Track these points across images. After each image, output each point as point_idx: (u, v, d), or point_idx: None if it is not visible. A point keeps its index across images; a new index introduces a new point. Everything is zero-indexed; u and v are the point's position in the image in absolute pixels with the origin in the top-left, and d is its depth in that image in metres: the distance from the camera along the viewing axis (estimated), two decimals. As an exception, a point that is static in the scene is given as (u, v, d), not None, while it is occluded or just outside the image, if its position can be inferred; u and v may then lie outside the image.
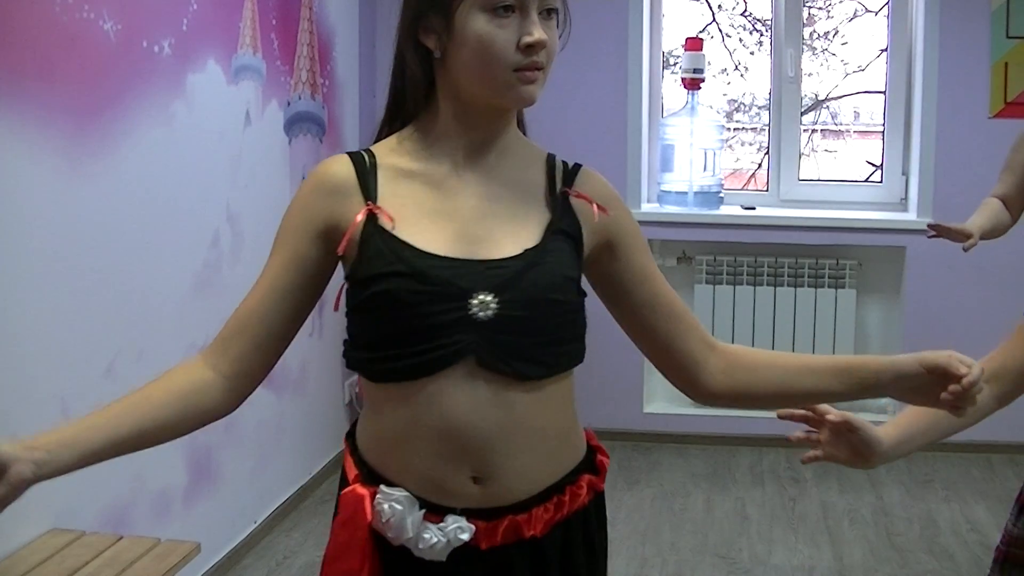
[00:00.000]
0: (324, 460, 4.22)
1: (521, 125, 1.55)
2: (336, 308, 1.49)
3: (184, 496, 3.15)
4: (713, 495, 4.24)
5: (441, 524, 1.41)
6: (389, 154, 1.48)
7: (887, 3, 4.81)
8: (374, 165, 1.46)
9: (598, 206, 1.49)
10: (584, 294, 1.49)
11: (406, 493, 1.42)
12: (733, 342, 5.17)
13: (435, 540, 1.40)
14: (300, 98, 3.89)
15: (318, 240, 1.44)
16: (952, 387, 1.40)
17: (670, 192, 4.78)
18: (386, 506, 1.41)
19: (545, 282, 1.41)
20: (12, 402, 2.40)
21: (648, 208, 4.78)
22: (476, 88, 1.41)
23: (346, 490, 1.46)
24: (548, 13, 1.41)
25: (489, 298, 1.38)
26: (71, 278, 2.59)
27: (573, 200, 1.49)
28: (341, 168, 1.46)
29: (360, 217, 1.42)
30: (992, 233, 3.16)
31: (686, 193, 4.75)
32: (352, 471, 1.48)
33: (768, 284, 4.73)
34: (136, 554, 2.41)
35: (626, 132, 4.70)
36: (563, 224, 1.46)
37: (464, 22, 1.37)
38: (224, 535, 3.46)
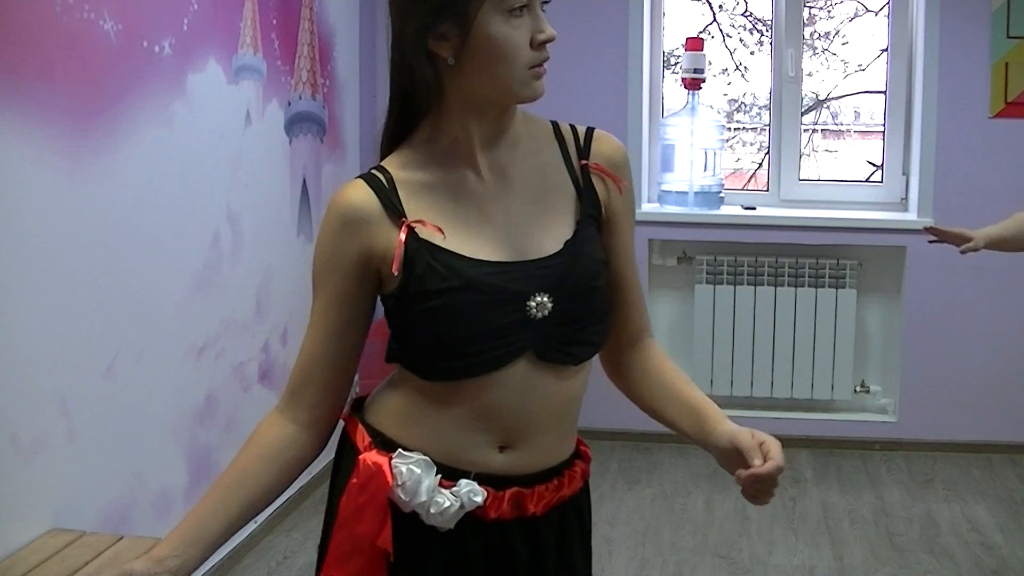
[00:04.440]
0: (325, 460, 4.19)
1: None
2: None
3: (184, 496, 3.14)
4: (714, 495, 4.24)
5: (454, 488, 1.44)
6: (402, 169, 1.48)
7: (887, 3, 4.81)
8: (392, 182, 1.46)
9: (617, 183, 1.52)
10: None
11: (424, 456, 1.45)
12: (734, 343, 5.17)
13: (447, 504, 1.43)
14: (300, 98, 3.89)
15: (355, 274, 1.46)
16: (742, 472, 1.48)
17: (670, 192, 4.77)
18: (404, 468, 1.45)
19: (589, 272, 1.47)
20: (12, 402, 2.40)
21: (648, 208, 4.78)
22: (490, 90, 1.43)
23: (363, 455, 1.49)
24: (543, 5, 1.45)
25: (545, 299, 1.43)
26: (71, 278, 2.59)
27: (592, 173, 1.52)
28: (360, 195, 1.46)
29: (403, 236, 1.42)
30: (1010, 244, 3.11)
31: (686, 193, 4.75)
32: (364, 439, 1.52)
33: (768, 284, 4.72)
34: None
35: (626, 132, 4.69)
36: (589, 207, 1.50)
37: (482, 28, 1.39)
38: (224, 535, 3.45)
